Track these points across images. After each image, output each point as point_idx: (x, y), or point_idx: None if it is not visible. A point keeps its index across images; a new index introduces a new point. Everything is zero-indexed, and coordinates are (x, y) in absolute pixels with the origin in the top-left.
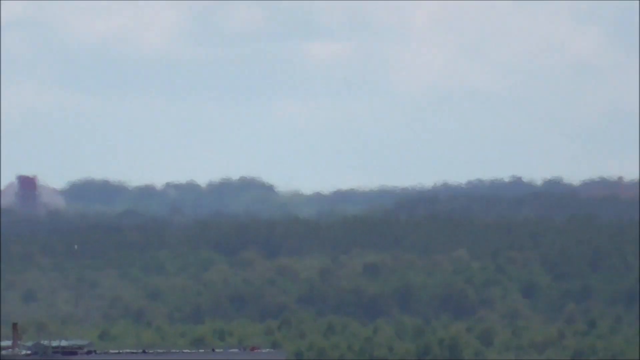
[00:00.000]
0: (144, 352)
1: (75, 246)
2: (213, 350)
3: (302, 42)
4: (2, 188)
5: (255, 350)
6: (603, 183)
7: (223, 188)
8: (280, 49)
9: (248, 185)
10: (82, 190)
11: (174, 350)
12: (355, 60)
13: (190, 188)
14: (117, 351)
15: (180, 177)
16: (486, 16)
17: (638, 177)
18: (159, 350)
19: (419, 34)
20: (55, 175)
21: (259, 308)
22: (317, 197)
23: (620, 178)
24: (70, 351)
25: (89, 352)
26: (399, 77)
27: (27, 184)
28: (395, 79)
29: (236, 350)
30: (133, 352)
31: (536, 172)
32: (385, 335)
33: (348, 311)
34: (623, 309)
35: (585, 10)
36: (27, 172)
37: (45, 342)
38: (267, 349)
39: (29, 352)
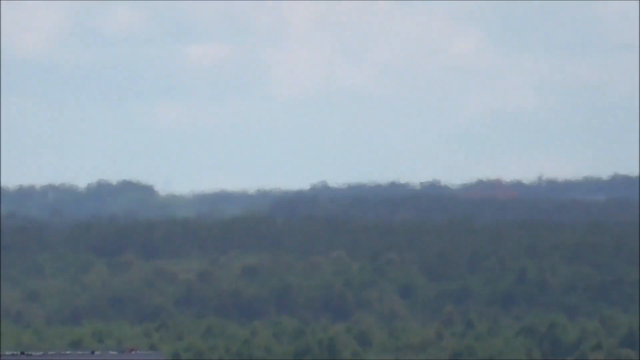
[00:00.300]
0: (22, 353)
1: None
2: (92, 352)
3: (181, 44)
4: None
5: (133, 352)
6: (481, 185)
7: (102, 190)
8: (160, 51)
9: (127, 187)
10: None
11: (51, 352)
12: (234, 62)
13: (70, 190)
14: None
15: (59, 179)
16: (365, 17)
17: (516, 179)
18: (37, 352)
19: (298, 36)
20: None
21: (137, 310)
22: (196, 199)
23: (498, 180)
24: None
25: None
26: (278, 79)
27: None
28: (274, 81)
29: (114, 352)
30: (12, 354)
31: (415, 175)
32: (264, 336)
33: (226, 313)
34: (501, 311)
35: (464, 12)
36: None
37: None
38: (145, 351)
39: None
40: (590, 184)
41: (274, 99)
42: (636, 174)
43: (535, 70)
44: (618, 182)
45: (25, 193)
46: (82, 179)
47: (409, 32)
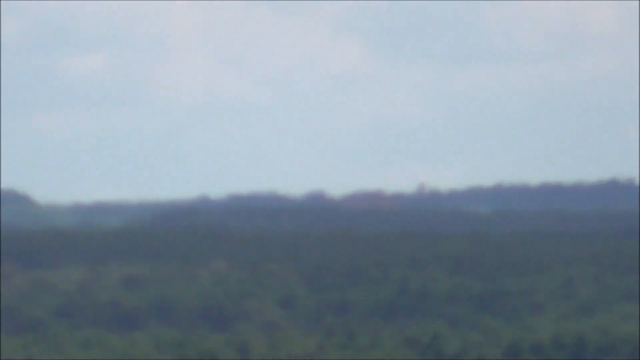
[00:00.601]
0: None
1: None
2: None
3: (61, 54)
4: None
5: None
6: (363, 196)
7: None
8: (39, 61)
9: (6, 197)
10: None
11: None
12: (114, 72)
13: None
14: None
15: None
16: (247, 28)
17: (398, 190)
18: None
19: (179, 46)
20: None
21: (15, 322)
22: (76, 209)
23: (380, 190)
24: None
25: None
26: (159, 89)
27: None
28: (155, 91)
29: None
30: None
31: (297, 186)
32: (144, 347)
33: (106, 324)
34: (382, 322)
35: (345, 23)
36: None
37: None
38: None
39: None
40: (473, 195)
41: (155, 109)
42: (519, 184)
43: (418, 81)
44: (500, 193)
45: None
46: None
47: (291, 43)
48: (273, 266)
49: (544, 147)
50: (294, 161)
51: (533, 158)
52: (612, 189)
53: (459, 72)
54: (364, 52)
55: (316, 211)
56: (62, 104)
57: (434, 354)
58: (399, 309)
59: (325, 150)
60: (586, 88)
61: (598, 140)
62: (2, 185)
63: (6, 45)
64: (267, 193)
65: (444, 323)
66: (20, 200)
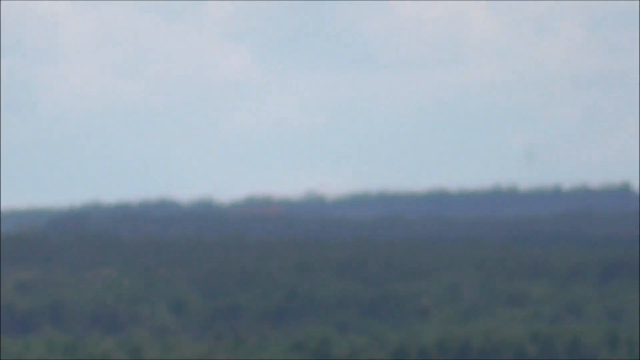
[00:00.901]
0: None
1: None
2: None
3: None
4: None
5: None
6: (251, 202)
7: None
8: None
9: None
10: None
11: None
12: (4, 78)
13: None
14: None
15: None
16: (138, 34)
17: (285, 195)
18: None
19: (70, 51)
20: None
21: None
22: None
23: (268, 196)
24: None
25: None
26: (50, 96)
27: None
28: (45, 98)
29: None
30: None
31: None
32: (37, 350)
33: (0, 327)
34: (271, 327)
35: (234, 29)
36: None
37: None
38: None
39: None
40: (359, 201)
41: (46, 115)
42: (404, 190)
43: (305, 87)
44: (386, 199)
45: None
46: None
47: (180, 48)
48: (164, 272)
49: (429, 154)
50: (183, 167)
51: (418, 164)
52: (495, 195)
53: (344, 79)
54: (251, 58)
55: (205, 217)
56: None
57: (322, 358)
58: (287, 314)
59: (214, 157)
60: (469, 95)
61: (481, 147)
62: None
63: None
64: (157, 199)
65: (332, 327)
66: None
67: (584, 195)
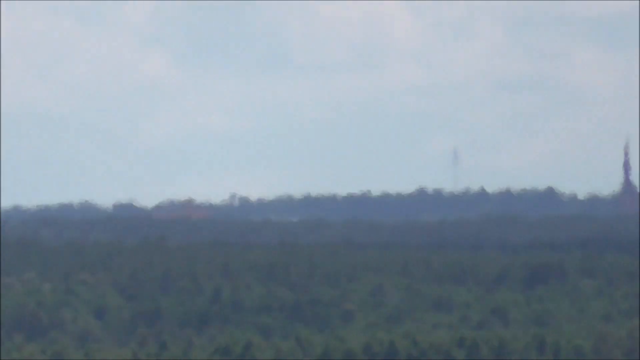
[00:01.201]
0: None
1: None
2: None
3: None
4: None
5: None
6: (174, 205)
7: None
8: None
9: None
10: None
11: None
12: None
13: None
14: None
15: None
16: (54, 37)
17: (208, 199)
18: None
19: None
20: None
21: None
22: None
23: (190, 200)
24: None
25: None
26: None
27: None
28: None
29: None
30: None
31: (108, 196)
32: None
33: None
34: (195, 331)
35: (152, 33)
36: None
37: None
38: None
39: None
40: (282, 204)
41: None
42: (327, 194)
43: (226, 91)
44: (309, 203)
45: None
46: None
47: (99, 52)
48: (85, 276)
49: (352, 157)
50: (104, 171)
51: (341, 168)
52: (419, 199)
53: (266, 83)
54: (172, 62)
55: (127, 221)
56: None
57: None
58: (211, 318)
59: (134, 160)
60: (391, 98)
61: (405, 150)
62: None
63: None
64: (77, 203)
65: (256, 331)
66: None
67: (508, 199)
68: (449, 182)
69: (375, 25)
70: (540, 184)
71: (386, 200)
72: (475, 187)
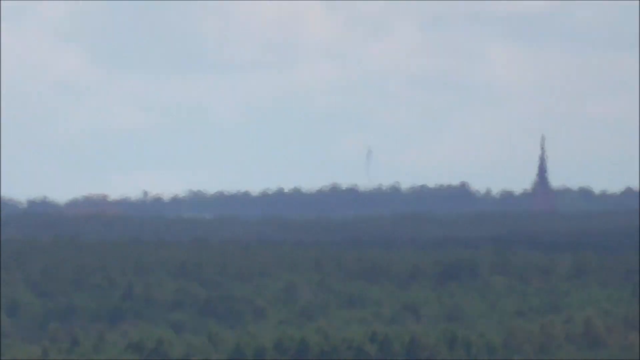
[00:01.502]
0: None
1: None
2: None
3: None
4: None
5: None
6: (88, 202)
7: None
8: None
9: None
10: None
11: None
12: None
13: None
14: None
15: None
16: None
17: (122, 196)
18: None
19: None
20: None
21: None
22: None
23: (104, 196)
24: None
25: None
26: None
27: None
28: None
29: None
30: None
31: (20, 192)
32: None
33: None
34: (107, 327)
35: (66, 30)
36: None
37: None
38: None
39: None
40: (195, 202)
41: None
42: (240, 191)
43: (140, 89)
44: (222, 200)
45: None
46: None
47: (13, 49)
48: None
49: (264, 155)
50: (18, 167)
51: (254, 165)
52: (333, 196)
53: (180, 81)
54: (87, 59)
55: (40, 217)
56: None
57: (158, 358)
58: (123, 314)
59: (48, 157)
60: (305, 96)
61: (318, 147)
62: None
63: None
64: None
65: (168, 328)
66: None
67: (422, 196)
68: (363, 179)
69: (289, 23)
70: (454, 181)
71: (299, 197)
72: (388, 183)
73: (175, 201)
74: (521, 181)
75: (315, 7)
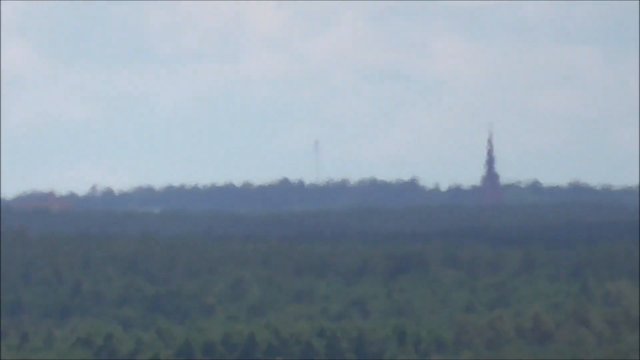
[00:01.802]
0: None
1: None
2: None
3: None
4: None
5: None
6: (34, 196)
7: None
8: None
9: None
10: None
11: None
12: None
13: None
14: None
15: None
16: None
17: (70, 190)
18: None
19: None
20: None
21: None
22: None
23: (51, 191)
24: None
25: None
26: None
27: None
28: None
29: None
30: None
31: None
32: None
33: None
34: (56, 322)
35: (13, 22)
36: None
37: None
38: None
39: None
40: (144, 196)
41: None
42: (189, 185)
43: (86, 82)
44: (171, 194)
45: None
46: None
47: None
48: None
49: (213, 148)
50: None
51: (202, 159)
52: (282, 190)
53: (126, 74)
54: (32, 53)
55: None
56: None
57: (107, 354)
58: (72, 310)
59: None
60: (251, 89)
61: (266, 141)
62: None
63: None
64: None
65: (117, 323)
66: None
67: (371, 190)
68: (311, 173)
69: (235, 16)
70: (403, 175)
71: (248, 191)
72: (337, 178)
73: (124, 195)
74: (470, 175)
75: None
